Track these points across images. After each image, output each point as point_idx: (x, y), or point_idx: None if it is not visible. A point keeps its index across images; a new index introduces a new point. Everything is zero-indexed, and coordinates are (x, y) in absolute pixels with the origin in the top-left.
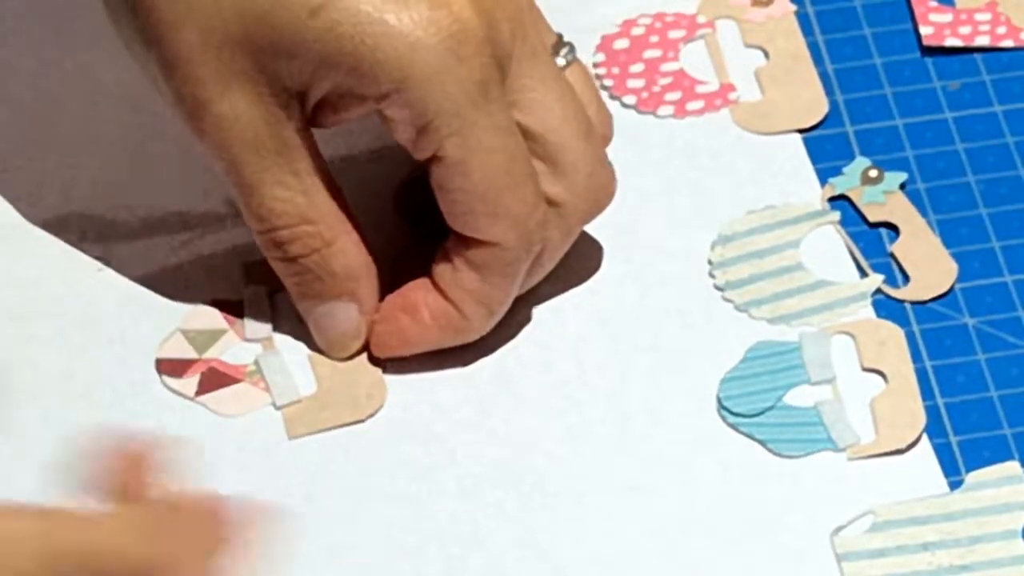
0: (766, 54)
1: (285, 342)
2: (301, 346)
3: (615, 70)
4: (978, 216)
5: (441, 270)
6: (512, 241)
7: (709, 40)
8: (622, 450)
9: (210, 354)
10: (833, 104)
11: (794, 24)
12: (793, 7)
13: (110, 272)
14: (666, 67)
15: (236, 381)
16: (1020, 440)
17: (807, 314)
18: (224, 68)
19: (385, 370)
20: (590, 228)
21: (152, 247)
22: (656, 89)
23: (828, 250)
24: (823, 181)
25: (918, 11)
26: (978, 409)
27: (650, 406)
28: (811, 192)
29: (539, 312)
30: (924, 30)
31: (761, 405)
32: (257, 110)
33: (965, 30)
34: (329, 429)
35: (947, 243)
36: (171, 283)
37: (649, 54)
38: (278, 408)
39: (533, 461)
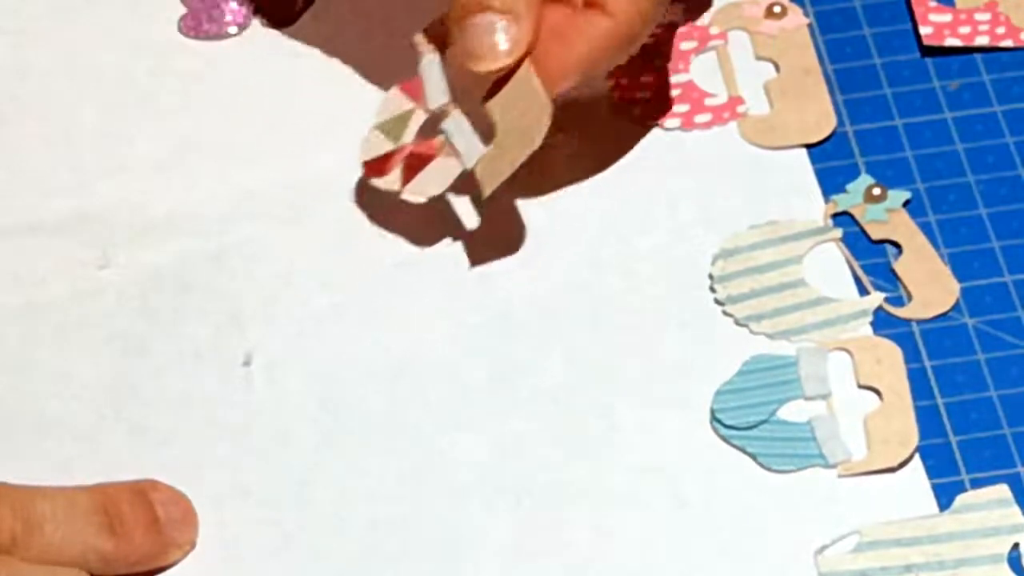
0: (777, 67)
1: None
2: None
3: (624, 80)
4: (978, 216)
5: None
6: None
7: (720, 52)
8: (612, 459)
9: (404, 140)
10: (833, 105)
11: (807, 37)
12: (807, 20)
13: (110, 272)
14: (676, 78)
15: (432, 158)
16: (1020, 440)
17: (807, 330)
18: None
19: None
20: (593, 238)
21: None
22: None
23: (830, 267)
24: (826, 189)
25: (918, 11)
26: (978, 409)
27: (642, 417)
28: (815, 207)
29: (536, 317)
30: (924, 30)
31: (754, 418)
32: None
33: (965, 30)
34: (513, 177)
35: (946, 243)
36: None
37: (660, 65)
38: (467, 171)
39: (522, 466)
